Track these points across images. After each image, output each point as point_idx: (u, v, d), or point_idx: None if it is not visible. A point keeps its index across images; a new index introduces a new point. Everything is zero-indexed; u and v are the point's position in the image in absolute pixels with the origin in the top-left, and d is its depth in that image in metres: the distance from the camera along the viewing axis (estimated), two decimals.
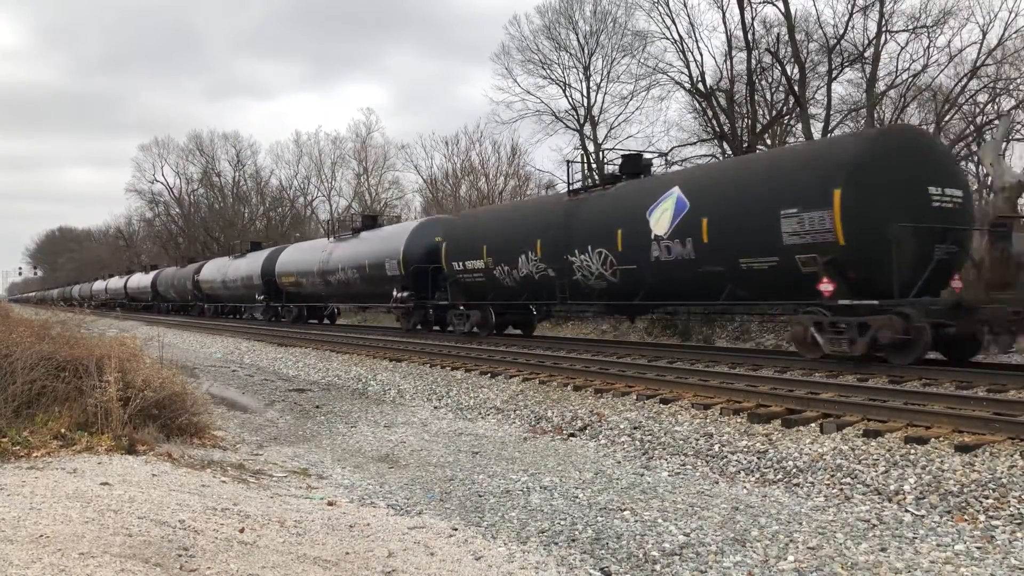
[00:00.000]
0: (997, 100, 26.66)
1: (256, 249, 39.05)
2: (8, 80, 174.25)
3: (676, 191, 14.79)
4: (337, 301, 30.53)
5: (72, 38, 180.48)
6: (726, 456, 7.64)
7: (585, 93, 37.15)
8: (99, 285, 70.20)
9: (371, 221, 28.62)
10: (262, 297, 34.79)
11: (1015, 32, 25.97)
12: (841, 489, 6.45)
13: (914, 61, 27.16)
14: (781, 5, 26.91)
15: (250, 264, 36.10)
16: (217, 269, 41.17)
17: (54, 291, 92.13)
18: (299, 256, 31.28)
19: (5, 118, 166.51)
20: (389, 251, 23.93)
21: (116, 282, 64.71)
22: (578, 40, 36.88)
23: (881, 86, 27.46)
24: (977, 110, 27.10)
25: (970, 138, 27.09)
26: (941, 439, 7.00)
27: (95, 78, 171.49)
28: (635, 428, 8.92)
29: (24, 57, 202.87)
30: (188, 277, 45.27)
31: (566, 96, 37.59)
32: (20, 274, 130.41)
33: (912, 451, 6.84)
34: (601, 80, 36.72)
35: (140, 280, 56.88)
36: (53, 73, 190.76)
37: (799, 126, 28.83)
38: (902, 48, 27.15)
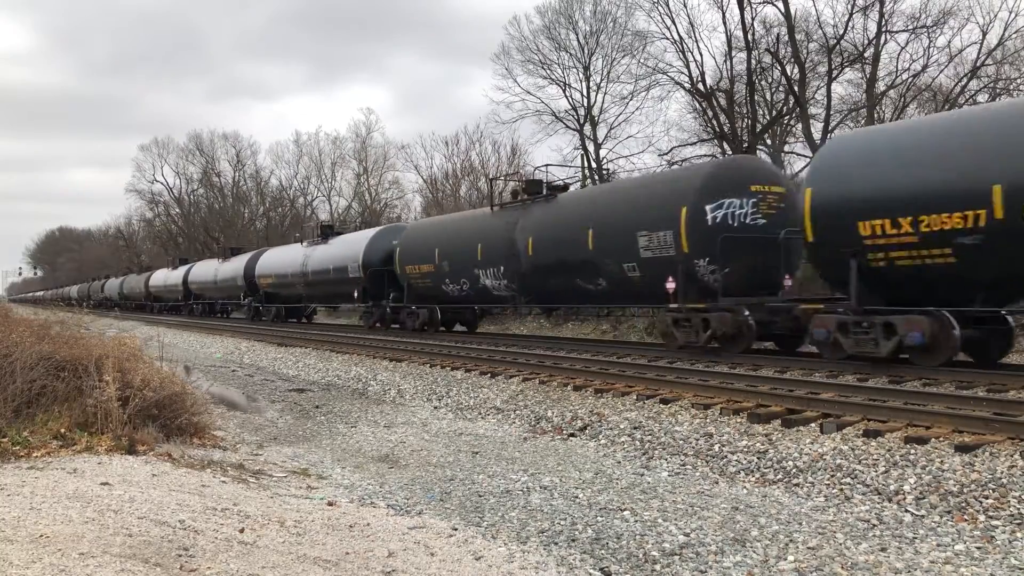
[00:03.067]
0: (997, 100, 26.63)
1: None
2: (15, 82, 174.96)
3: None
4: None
5: (79, 41, 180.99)
6: (726, 456, 7.64)
7: (585, 93, 37.20)
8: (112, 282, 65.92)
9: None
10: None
11: (1015, 32, 25.97)
12: (841, 489, 6.45)
13: (914, 61, 27.19)
14: (781, 5, 26.94)
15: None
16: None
17: (72, 288, 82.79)
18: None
19: (10, 120, 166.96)
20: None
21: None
22: (578, 40, 36.93)
23: (881, 86, 27.47)
24: None
25: None
26: (941, 439, 6.99)
27: (101, 80, 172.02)
28: (635, 428, 8.92)
29: (32, 60, 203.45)
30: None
31: (566, 96, 37.65)
32: (20, 274, 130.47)
33: (912, 451, 6.84)
34: (601, 80, 36.77)
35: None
36: (60, 76, 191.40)
37: (799, 126, 28.85)
38: (902, 48, 27.18)
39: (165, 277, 49.97)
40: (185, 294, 45.30)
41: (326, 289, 28.47)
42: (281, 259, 32.85)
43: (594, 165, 36.29)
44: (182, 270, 46.73)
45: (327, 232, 30.68)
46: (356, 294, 25.85)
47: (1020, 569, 4.69)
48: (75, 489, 5.67)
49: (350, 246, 26.91)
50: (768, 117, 30.03)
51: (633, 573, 4.76)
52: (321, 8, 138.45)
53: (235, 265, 37.93)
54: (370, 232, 27.18)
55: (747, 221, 14.16)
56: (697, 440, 8.16)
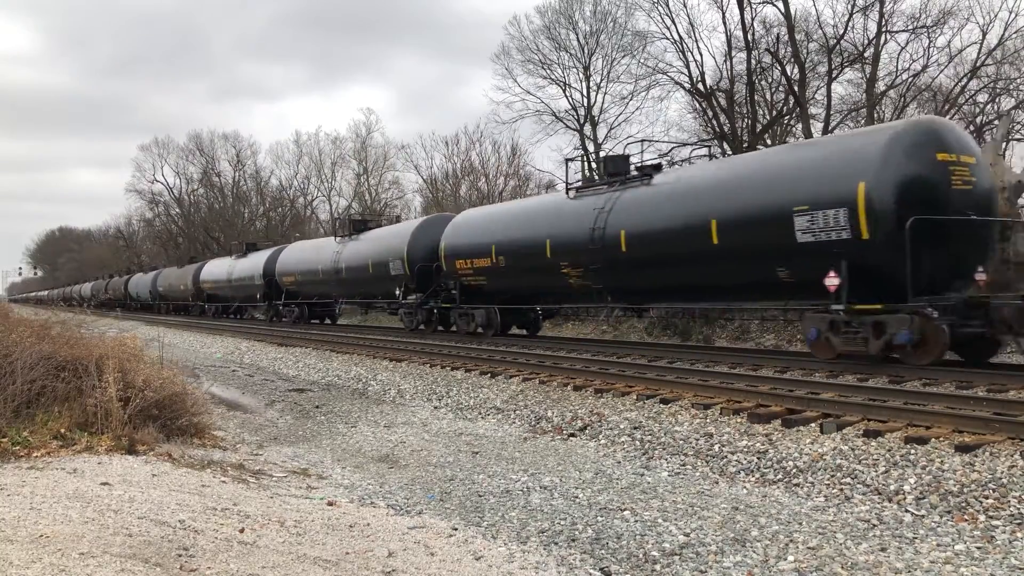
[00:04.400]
0: (997, 100, 26.63)
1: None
2: (17, 83, 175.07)
3: None
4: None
5: (80, 42, 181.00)
6: (726, 456, 7.64)
7: (585, 93, 37.17)
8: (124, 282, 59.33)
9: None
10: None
11: (1015, 32, 25.95)
12: (841, 489, 6.45)
13: (914, 61, 27.16)
14: (781, 5, 26.90)
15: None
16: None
17: (85, 286, 75.54)
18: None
19: (12, 120, 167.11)
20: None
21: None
22: (578, 40, 36.91)
23: (881, 86, 27.45)
24: (977, 110, 27.06)
25: None
26: (941, 439, 6.99)
27: (102, 81, 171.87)
28: (635, 428, 8.92)
29: (34, 61, 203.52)
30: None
31: (566, 96, 37.62)
32: (20, 274, 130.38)
33: (912, 451, 6.84)
34: (601, 80, 36.74)
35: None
36: (62, 77, 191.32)
37: (799, 126, 28.83)
38: (902, 48, 27.15)
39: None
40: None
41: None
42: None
43: (594, 165, 36.28)
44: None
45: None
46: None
47: (1020, 569, 4.69)
48: (75, 489, 5.67)
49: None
50: (768, 117, 30.00)
51: (633, 573, 4.76)
52: (321, 8, 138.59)
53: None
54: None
55: None
56: (697, 440, 8.16)
